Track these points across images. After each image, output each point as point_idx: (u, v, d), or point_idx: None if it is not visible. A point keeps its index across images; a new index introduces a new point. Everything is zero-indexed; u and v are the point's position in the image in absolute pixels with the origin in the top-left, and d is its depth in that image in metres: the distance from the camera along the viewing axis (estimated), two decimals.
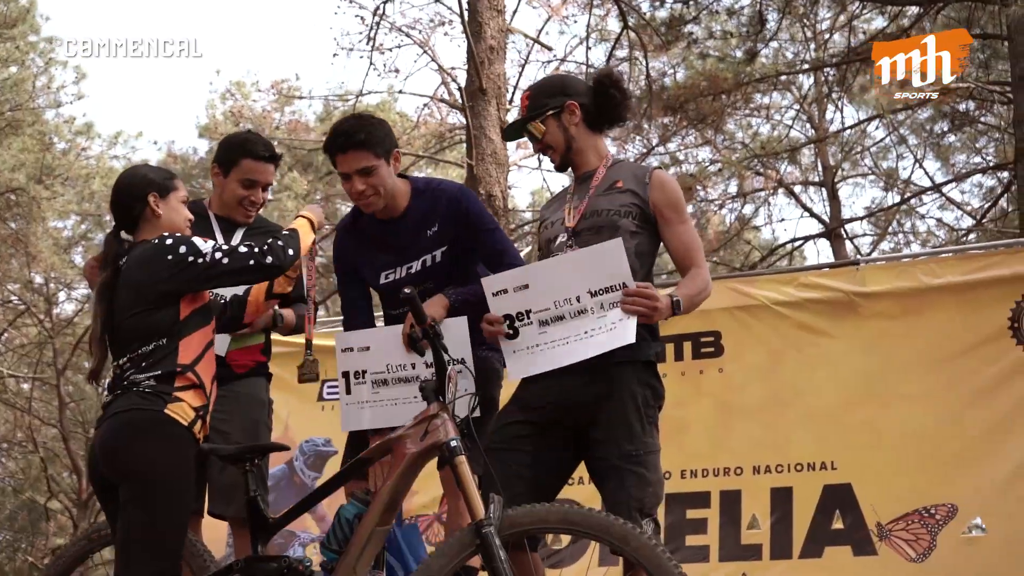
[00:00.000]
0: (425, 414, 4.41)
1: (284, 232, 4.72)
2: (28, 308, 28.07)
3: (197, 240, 4.60)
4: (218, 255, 4.54)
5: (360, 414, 5.06)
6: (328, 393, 8.73)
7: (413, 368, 4.90)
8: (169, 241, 4.58)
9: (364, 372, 5.04)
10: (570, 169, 5.13)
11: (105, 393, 4.57)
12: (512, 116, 15.39)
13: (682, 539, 7.49)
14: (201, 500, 5.38)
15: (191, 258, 4.52)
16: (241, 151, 5.67)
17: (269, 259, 4.58)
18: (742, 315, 7.85)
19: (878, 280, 7.65)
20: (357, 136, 5.02)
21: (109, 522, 4.60)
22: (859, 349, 7.57)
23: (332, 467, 8.60)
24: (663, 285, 7.80)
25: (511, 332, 4.70)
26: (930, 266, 7.67)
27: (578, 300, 4.60)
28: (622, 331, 4.53)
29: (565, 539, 7.62)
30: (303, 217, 4.99)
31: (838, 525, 7.29)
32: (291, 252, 4.66)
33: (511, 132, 5.24)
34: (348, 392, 5.11)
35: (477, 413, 4.67)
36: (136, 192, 4.73)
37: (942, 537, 7.02)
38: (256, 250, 4.58)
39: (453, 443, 4.29)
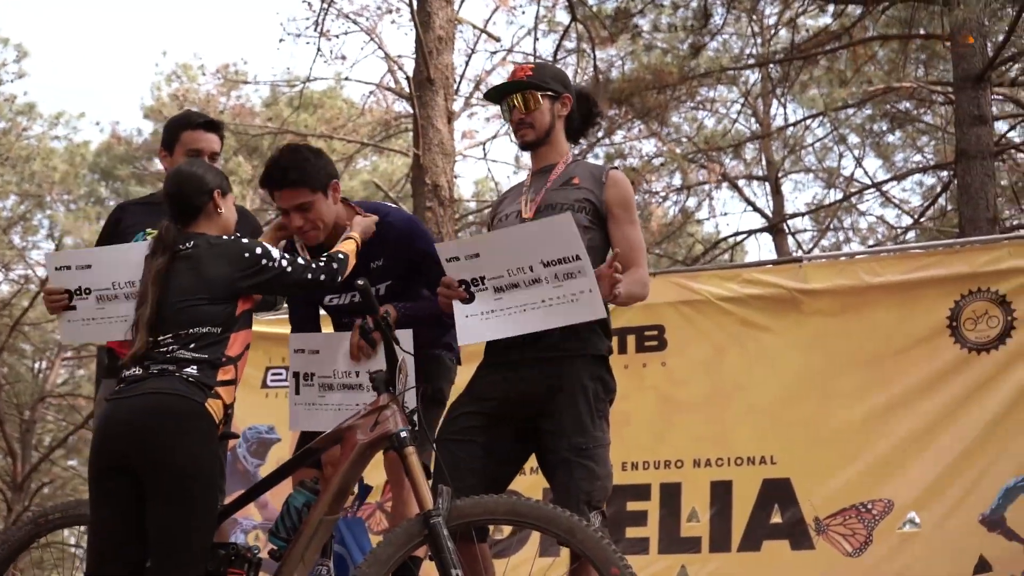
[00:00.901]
0: (375, 404, 4.44)
1: (340, 255, 4.80)
2: None
3: (268, 245, 4.71)
4: (284, 263, 4.65)
5: (307, 415, 5.07)
6: (271, 380, 8.74)
7: (357, 376, 4.91)
8: (245, 240, 4.68)
9: (313, 375, 5.07)
10: (529, 159, 5.20)
11: (135, 369, 4.52)
12: (458, 106, 15.45)
13: (622, 531, 7.55)
14: None
15: (264, 261, 4.61)
16: (178, 126, 5.73)
17: (322, 276, 4.72)
18: (686, 309, 7.91)
19: (820, 277, 7.73)
20: (291, 175, 4.98)
21: (97, 503, 4.43)
22: (800, 346, 7.65)
23: (275, 454, 8.62)
24: None
25: (468, 296, 4.72)
26: (871, 265, 7.77)
27: (531, 269, 4.60)
28: (589, 304, 4.55)
29: (508, 528, 7.66)
30: (352, 239, 5.02)
31: (776, 519, 7.37)
32: (338, 277, 4.78)
33: (500, 91, 5.20)
34: (297, 392, 5.13)
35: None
36: (204, 186, 4.75)
37: (878, 532, 7.12)
38: (313, 266, 4.70)
39: (403, 434, 4.32)
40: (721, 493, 7.54)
